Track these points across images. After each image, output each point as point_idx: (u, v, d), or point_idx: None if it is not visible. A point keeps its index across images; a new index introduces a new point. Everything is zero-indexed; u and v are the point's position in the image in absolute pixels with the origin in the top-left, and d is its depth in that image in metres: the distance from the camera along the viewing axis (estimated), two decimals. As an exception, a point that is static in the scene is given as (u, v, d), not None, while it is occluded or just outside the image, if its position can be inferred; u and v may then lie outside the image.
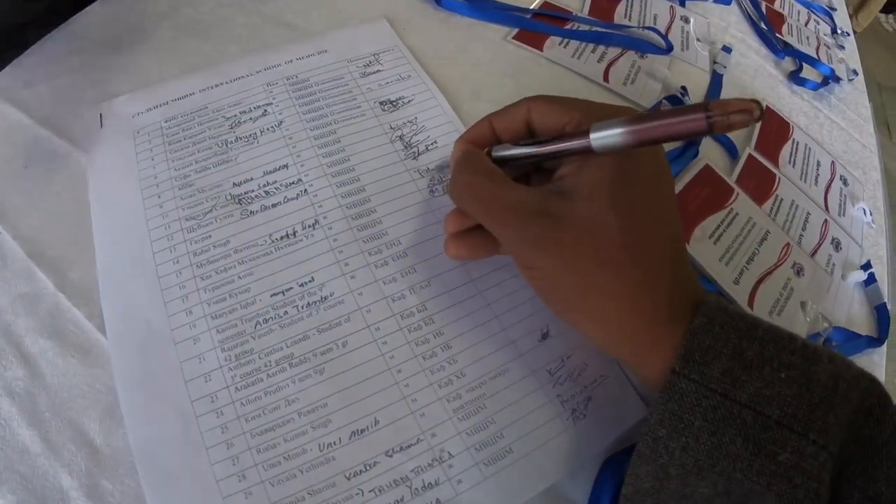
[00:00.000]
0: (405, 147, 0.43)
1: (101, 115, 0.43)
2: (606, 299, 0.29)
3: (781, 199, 0.47)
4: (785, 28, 0.67)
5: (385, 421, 0.32)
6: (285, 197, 0.39)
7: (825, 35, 0.70)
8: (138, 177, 0.40)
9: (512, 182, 0.32)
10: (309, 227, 0.38)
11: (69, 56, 0.46)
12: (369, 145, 0.42)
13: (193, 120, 0.43)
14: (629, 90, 0.51)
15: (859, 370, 0.27)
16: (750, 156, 0.49)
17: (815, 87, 0.60)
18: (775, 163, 0.50)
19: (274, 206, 0.39)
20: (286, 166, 0.41)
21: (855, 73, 0.66)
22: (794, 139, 0.53)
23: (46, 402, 0.32)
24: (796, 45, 0.64)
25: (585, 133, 0.28)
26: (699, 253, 0.41)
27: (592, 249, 0.28)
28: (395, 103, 0.45)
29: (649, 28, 0.57)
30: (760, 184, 0.48)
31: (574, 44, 0.54)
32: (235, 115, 0.43)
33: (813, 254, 0.45)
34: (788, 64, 0.63)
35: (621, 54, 0.54)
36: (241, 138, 0.42)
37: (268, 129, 0.43)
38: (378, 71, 0.47)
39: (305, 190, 0.40)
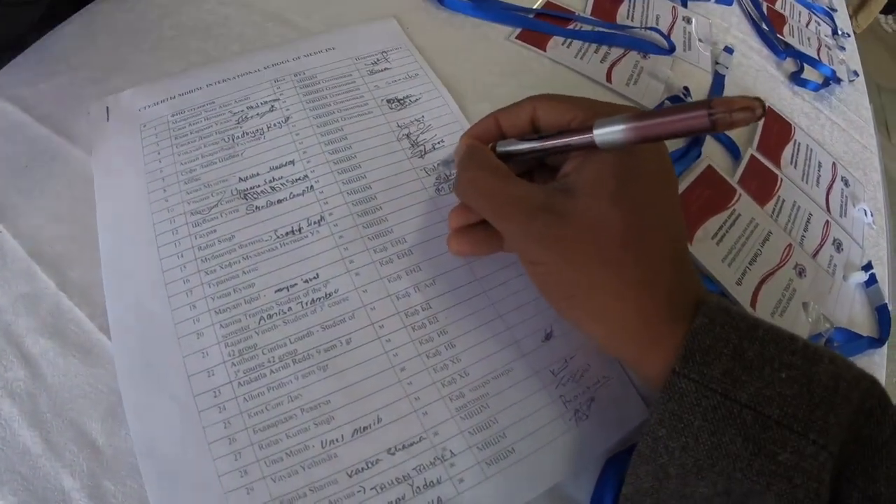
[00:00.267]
0: (412, 145, 0.41)
1: (107, 108, 0.41)
2: (608, 297, 0.28)
3: (783, 200, 0.46)
4: (786, 29, 0.65)
5: (388, 419, 0.31)
6: (291, 193, 0.38)
7: (826, 36, 0.69)
8: (144, 170, 0.39)
9: (516, 178, 0.31)
10: (314, 223, 0.37)
11: (70, 54, 0.45)
12: (376, 143, 0.41)
13: (200, 114, 0.42)
14: (632, 90, 0.50)
15: (860, 371, 0.26)
16: (752, 156, 0.48)
17: (816, 88, 0.59)
18: (777, 164, 0.49)
19: (280, 201, 0.38)
20: (292, 162, 0.40)
21: (855, 74, 0.65)
22: (795, 140, 0.52)
23: (47, 402, 0.31)
24: (797, 46, 0.63)
25: (589, 129, 0.27)
26: (702, 253, 0.40)
27: (595, 246, 0.28)
28: (402, 101, 0.44)
29: (651, 28, 0.56)
30: (762, 185, 0.47)
31: (577, 44, 0.53)
32: (242, 111, 0.42)
33: (815, 255, 0.44)
34: (789, 65, 0.61)
35: (624, 54, 0.53)
36: (247, 133, 0.41)
37: (275, 124, 0.41)
38: (386, 69, 0.46)
39: (311, 186, 0.39)
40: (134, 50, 0.46)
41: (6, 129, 0.41)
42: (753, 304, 0.39)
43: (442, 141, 0.42)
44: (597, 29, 0.54)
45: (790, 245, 0.44)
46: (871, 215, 0.50)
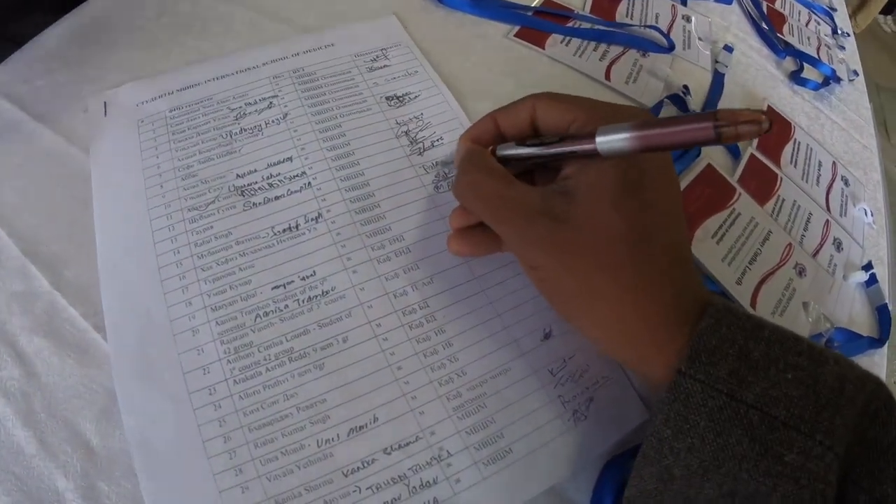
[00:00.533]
0: (411, 143, 0.41)
1: (105, 103, 0.41)
2: (609, 303, 0.27)
3: (783, 200, 0.46)
4: (786, 28, 0.64)
5: (384, 418, 0.31)
6: (289, 189, 0.38)
7: (826, 35, 0.68)
8: (141, 166, 0.38)
9: (516, 181, 0.30)
10: (312, 220, 0.36)
11: (66, 52, 0.44)
12: (374, 140, 0.41)
13: (198, 110, 0.41)
14: (631, 89, 0.49)
15: (865, 372, 0.26)
16: (752, 156, 0.48)
17: (816, 88, 0.58)
18: (777, 163, 0.48)
19: (277, 198, 0.37)
20: (290, 159, 0.39)
21: (855, 73, 0.64)
22: (795, 139, 0.51)
23: (42, 402, 0.30)
24: (797, 46, 0.62)
25: (591, 136, 0.27)
26: (702, 253, 0.40)
27: (595, 252, 0.27)
28: (401, 99, 0.43)
29: (651, 27, 0.55)
30: (762, 184, 0.46)
31: (576, 42, 0.52)
32: (241, 107, 0.41)
33: (815, 254, 0.44)
34: (789, 64, 0.61)
35: (623, 53, 0.52)
36: (245, 130, 0.40)
37: (273, 121, 0.41)
38: (385, 66, 0.45)
39: (309, 183, 0.38)
40: (130, 47, 0.45)
41: (2, 126, 0.40)
42: (753, 303, 0.39)
43: (441, 138, 0.41)
44: (596, 27, 0.53)
45: (790, 244, 0.43)
46: (872, 215, 0.49)
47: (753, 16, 0.64)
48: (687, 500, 0.26)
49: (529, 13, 0.53)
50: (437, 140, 0.41)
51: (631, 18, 0.56)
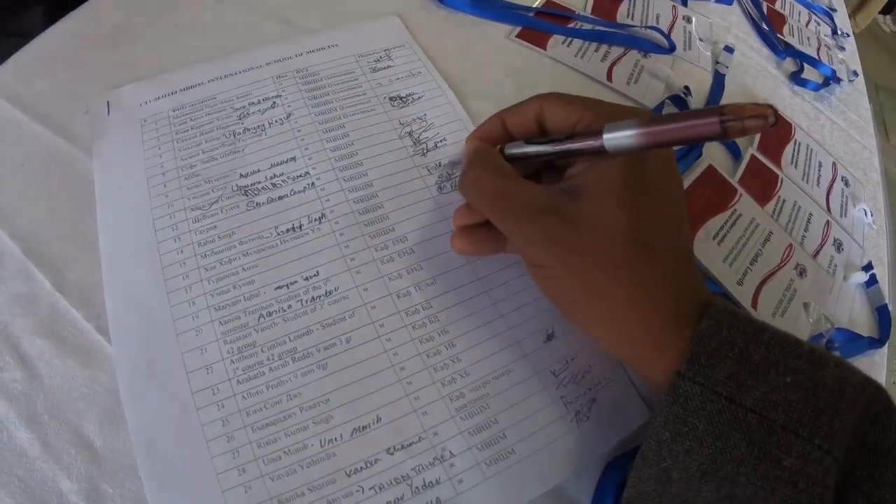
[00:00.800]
0: (414, 143, 0.40)
1: (108, 102, 0.40)
2: (613, 301, 0.27)
3: (784, 200, 0.45)
4: (786, 29, 0.64)
5: (387, 418, 0.30)
6: (292, 190, 0.37)
7: (826, 36, 0.68)
8: (144, 165, 0.38)
9: (522, 179, 0.30)
10: (315, 220, 0.36)
11: (67, 53, 0.44)
12: (378, 140, 0.40)
13: (201, 110, 0.41)
14: (632, 89, 0.49)
15: (865, 377, 0.25)
16: (753, 156, 0.47)
17: (816, 88, 0.58)
18: (778, 164, 0.48)
19: (280, 198, 0.37)
20: (294, 159, 0.39)
21: (855, 74, 0.64)
22: (795, 140, 0.51)
23: (45, 404, 0.30)
24: (797, 46, 0.62)
25: (598, 133, 0.26)
26: (703, 253, 0.39)
27: (601, 250, 0.27)
28: (404, 99, 0.43)
29: (652, 28, 0.55)
30: (763, 185, 0.46)
31: (577, 43, 0.52)
32: (244, 107, 0.41)
33: (815, 255, 0.43)
34: (789, 64, 0.60)
35: (624, 53, 0.52)
36: (249, 129, 0.40)
37: (276, 121, 0.40)
38: (388, 67, 0.45)
39: (313, 183, 0.38)
40: (131, 48, 0.45)
41: (3, 127, 0.39)
42: (754, 304, 0.38)
43: (444, 139, 0.41)
44: (597, 28, 0.53)
45: (791, 245, 0.43)
46: (871, 215, 0.49)
47: (754, 16, 0.63)
48: (685, 503, 0.26)
49: (531, 14, 0.53)
50: (441, 141, 0.41)
51: (632, 19, 0.56)
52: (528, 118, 0.32)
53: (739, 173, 0.46)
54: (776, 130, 0.51)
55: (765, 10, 0.65)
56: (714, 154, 0.47)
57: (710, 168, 0.44)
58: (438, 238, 0.36)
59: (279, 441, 0.29)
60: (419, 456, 0.30)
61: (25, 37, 0.44)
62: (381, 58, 0.45)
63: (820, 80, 0.59)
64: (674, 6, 0.59)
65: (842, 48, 0.68)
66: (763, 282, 0.40)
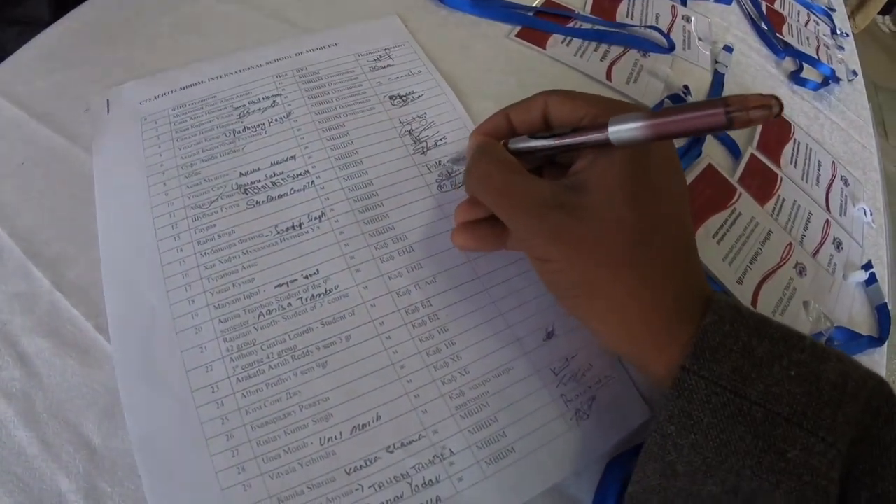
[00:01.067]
0: (414, 142, 0.40)
1: (107, 100, 0.40)
2: (618, 295, 0.27)
3: (783, 199, 0.45)
4: (785, 28, 0.64)
5: (387, 416, 0.30)
6: (292, 188, 0.37)
7: (825, 36, 0.68)
8: (144, 164, 0.38)
9: (528, 173, 0.30)
10: (315, 219, 0.36)
11: (67, 52, 0.44)
12: (378, 139, 0.40)
13: (201, 109, 0.40)
14: (632, 89, 0.49)
15: (867, 370, 0.25)
16: (752, 155, 0.47)
17: (816, 88, 0.58)
18: (777, 163, 0.48)
19: (280, 196, 0.37)
20: (294, 157, 0.38)
21: (854, 73, 0.63)
22: (795, 139, 0.51)
23: (43, 402, 0.30)
24: (796, 46, 0.61)
25: (603, 126, 0.26)
26: (703, 252, 0.39)
27: (607, 244, 0.27)
28: (404, 98, 0.42)
29: (651, 27, 0.55)
30: (763, 184, 0.46)
31: (576, 42, 0.52)
32: (244, 105, 0.41)
33: (815, 254, 0.43)
34: (789, 64, 0.60)
35: (623, 53, 0.52)
36: (248, 128, 0.40)
37: (276, 119, 0.40)
38: (388, 66, 0.44)
39: (312, 182, 0.37)
40: (131, 48, 0.45)
41: (2, 126, 0.39)
42: (754, 303, 0.38)
43: (444, 138, 0.41)
44: (596, 27, 0.53)
45: (790, 244, 0.42)
46: (871, 214, 0.49)
47: (753, 16, 0.63)
48: (690, 497, 0.26)
49: (530, 13, 0.53)
50: (441, 139, 0.40)
51: (631, 19, 0.56)
52: (533, 114, 0.32)
53: (739, 172, 0.46)
54: (776, 130, 0.51)
55: (764, 9, 0.65)
56: (714, 153, 0.46)
57: (710, 167, 0.44)
58: (438, 236, 0.36)
59: (278, 439, 0.29)
60: (419, 454, 0.29)
61: (30, 24, 0.44)
62: (380, 57, 0.45)
63: (819, 80, 0.58)
64: (673, 6, 0.59)
65: (841, 48, 0.68)
66: (763, 280, 0.40)
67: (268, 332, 0.32)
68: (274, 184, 0.37)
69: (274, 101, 0.41)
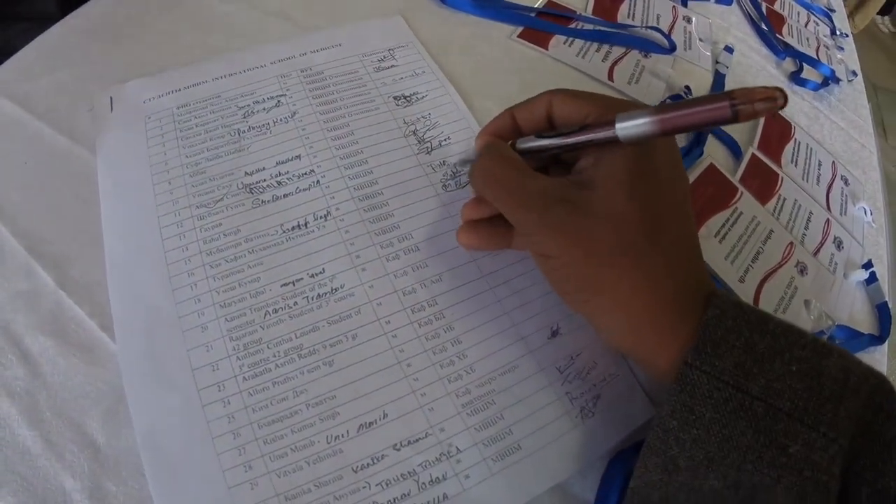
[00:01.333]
0: (419, 142, 0.40)
1: (111, 98, 0.40)
2: (623, 290, 0.27)
3: (784, 199, 0.46)
4: (785, 29, 0.64)
5: (393, 414, 0.30)
6: (297, 187, 0.37)
7: (825, 36, 0.68)
8: (149, 162, 0.38)
9: (534, 172, 0.30)
10: (321, 218, 0.36)
11: (70, 50, 0.44)
12: (383, 139, 0.40)
13: (206, 108, 0.40)
14: (633, 89, 0.49)
15: (868, 367, 0.26)
16: (753, 155, 0.47)
17: (816, 88, 0.58)
18: (778, 162, 0.48)
19: (286, 196, 0.37)
20: (299, 157, 0.39)
21: (854, 74, 0.64)
22: (795, 139, 0.51)
23: (47, 401, 0.30)
24: (796, 46, 0.62)
25: (611, 123, 0.26)
26: (705, 252, 0.38)
27: (612, 239, 0.27)
28: (408, 98, 0.43)
29: (652, 28, 0.55)
30: (764, 183, 0.46)
31: (578, 43, 0.52)
32: (249, 105, 0.41)
33: (816, 253, 0.43)
34: (789, 64, 0.60)
35: (625, 53, 0.52)
36: (253, 128, 0.40)
37: (281, 119, 0.40)
38: (392, 66, 0.45)
39: (318, 181, 0.37)
40: (134, 46, 0.44)
41: (5, 125, 0.39)
42: (756, 301, 0.39)
43: (448, 138, 0.41)
44: (598, 28, 0.53)
45: (791, 243, 0.43)
46: (871, 214, 0.49)
47: (753, 17, 0.64)
48: (691, 492, 0.26)
49: (532, 14, 0.53)
50: (445, 140, 0.41)
51: (632, 19, 0.56)
52: (538, 113, 0.32)
53: (740, 172, 0.46)
54: (776, 129, 0.51)
55: (764, 10, 0.65)
56: (715, 153, 0.47)
57: (712, 167, 0.45)
58: (443, 235, 0.36)
59: (285, 438, 0.29)
60: (426, 452, 0.29)
61: (37, 20, 0.43)
62: (384, 57, 0.45)
63: (819, 80, 0.59)
64: (674, 6, 0.59)
65: (840, 48, 0.68)
66: (764, 279, 0.40)
67: (274, 330, 0.32)
68: (279, 183, 0.37)
69: (278, 101, 0.41)
